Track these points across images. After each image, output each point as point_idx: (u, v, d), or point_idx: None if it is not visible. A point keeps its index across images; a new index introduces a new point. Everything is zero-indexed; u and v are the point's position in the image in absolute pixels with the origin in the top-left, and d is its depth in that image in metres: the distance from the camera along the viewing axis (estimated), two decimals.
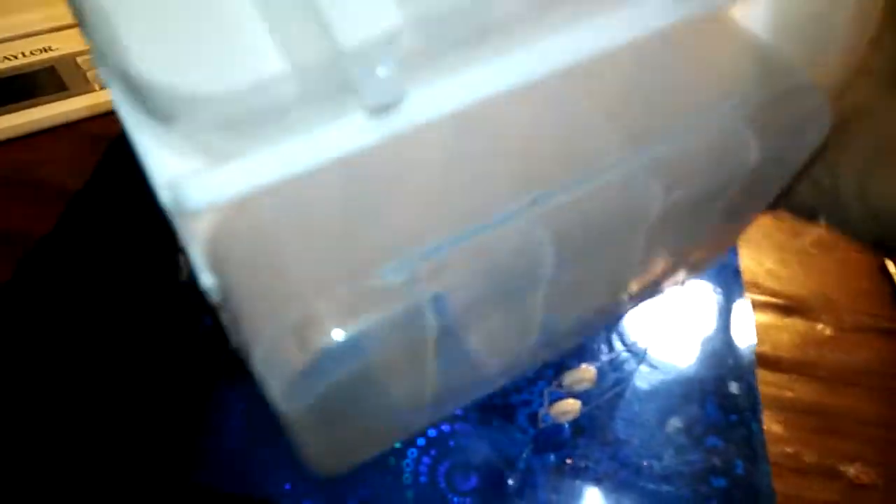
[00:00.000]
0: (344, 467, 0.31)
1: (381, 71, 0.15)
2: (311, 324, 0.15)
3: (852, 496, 0.37)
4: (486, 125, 0.19)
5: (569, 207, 0.18)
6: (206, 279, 0.18)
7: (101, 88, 0.49)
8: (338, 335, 0.15)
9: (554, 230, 0.18)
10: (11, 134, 0.47)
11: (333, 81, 0.16)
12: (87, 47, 0.50)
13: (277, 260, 0.16)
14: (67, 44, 0.50)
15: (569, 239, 0.19)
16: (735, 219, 0.29)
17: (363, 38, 0.15)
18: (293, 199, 0.17)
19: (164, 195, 0.17)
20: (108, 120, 0.49)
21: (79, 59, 0.49)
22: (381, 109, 0.17)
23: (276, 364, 0.16)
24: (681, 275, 0.33)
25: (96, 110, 0.48)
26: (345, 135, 0.17)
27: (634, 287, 0.29)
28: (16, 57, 0.49)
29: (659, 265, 0.28)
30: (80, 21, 0.17)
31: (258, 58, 0.16)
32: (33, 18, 0.50)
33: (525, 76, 0.19)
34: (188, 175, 0.16)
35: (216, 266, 0.17)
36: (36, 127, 0.47)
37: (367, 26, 0.15)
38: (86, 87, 0.48)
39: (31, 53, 0.49)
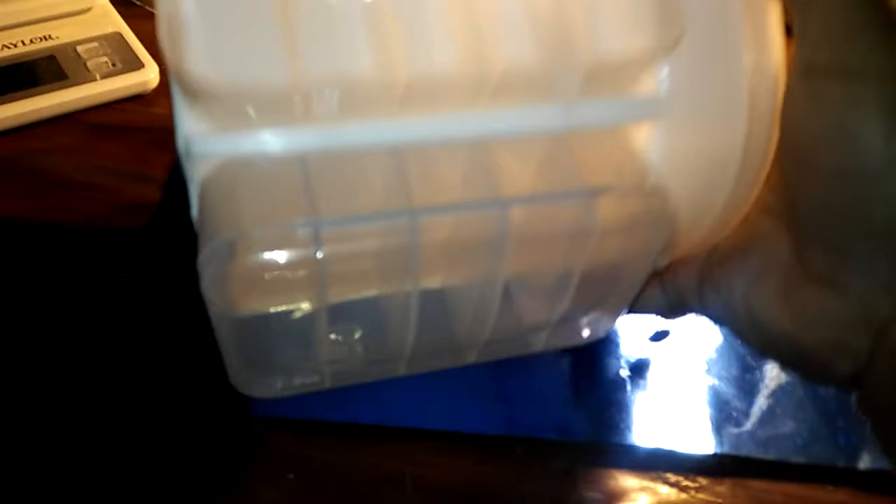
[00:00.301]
0: (267, 389, 0.33)
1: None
2: (235, 245, 0.23)
3: None
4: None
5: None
6: (193, 210, 0.25)
7: (101, 78, 0.48)
8: (248, 262, 0.22)
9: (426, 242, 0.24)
10: (10, 124, 0.46)
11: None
12: (87, 36, 0.50)
13: (233, 203, 0.23)
14: (68, 32, 0.50)
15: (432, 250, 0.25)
16: (599, 300, 0.32)
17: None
18: (264, 167, 0.23)
19: (180, 143, 0.23)
20: (108, 109, 0.48)
21: (79, 48, 0.49)
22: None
23: (209, 265, 0.23)
24: (560, 335, 0.34)
25: (96, 100, 0.48)
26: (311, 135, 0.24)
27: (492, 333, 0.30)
28: (15, 45, 0.48)
29: (528, 315, 0.31)
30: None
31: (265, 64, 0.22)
32: (33, 6, 0.50)
33: None
34: (198, 133, 0.23)
35: (199, 201, 0.24)
36: (35, 116, 0.47)
37: None
38: (86, 76, 0.48)
39: (31, 42, 0.49)
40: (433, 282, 0.28)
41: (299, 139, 0.23)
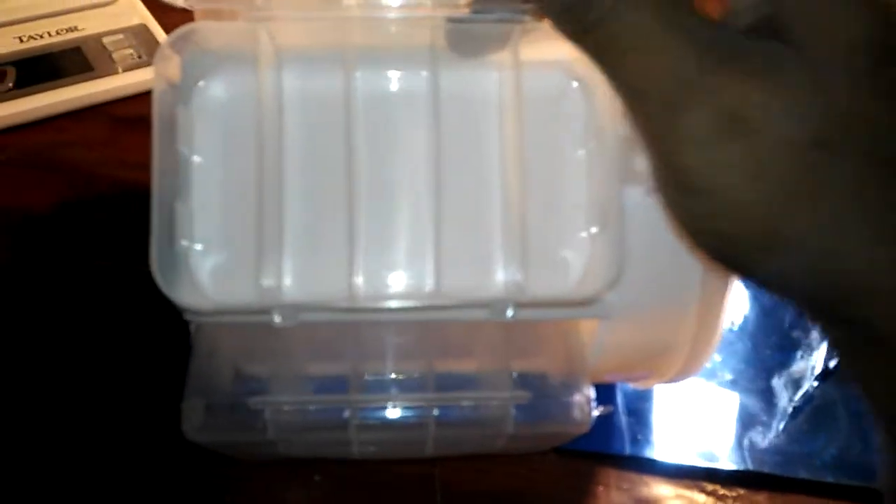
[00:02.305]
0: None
1: None
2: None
3: None
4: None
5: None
6: None
7: (126, 70, 0.47)
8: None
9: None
10: (35, 115, 0.46)
11: None
12: (113, 27, 0.49)
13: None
14: (94, 24, 0.49)
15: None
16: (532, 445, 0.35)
17: None
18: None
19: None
20: (132, 102, 0.47)
21: (104, 40, 0.48)
22: None
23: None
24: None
25: (121, 92, 0.47)
26: None
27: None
28: (41, 36, 0.48)
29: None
30: None
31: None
32: None
33: None
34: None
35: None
36: (60, 109, 0.46)
37: None
38: (111, 68, 0.47)
39: (58, 33, 0.48)
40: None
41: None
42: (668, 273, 0.27)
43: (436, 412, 0.28)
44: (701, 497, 0.36)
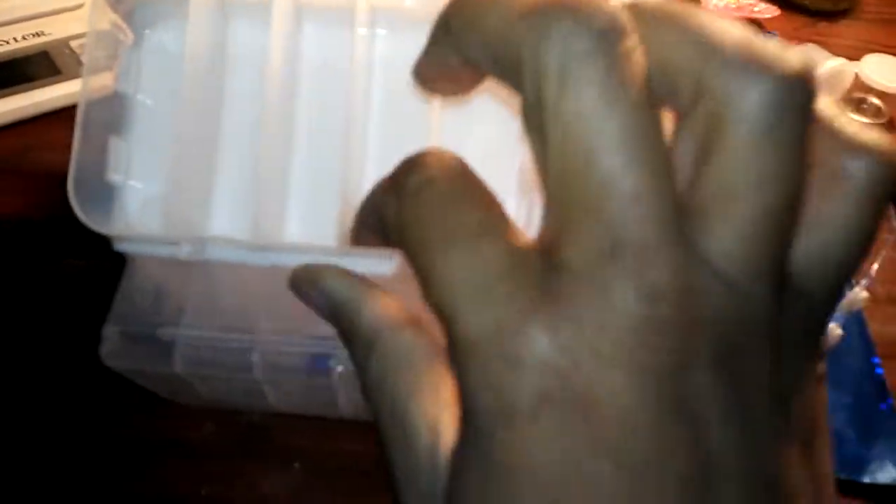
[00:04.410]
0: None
1: None
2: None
3: None
4: None
5: None
6: None
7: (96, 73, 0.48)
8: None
9: None
10: (5, 120, 0.46)
11: None
12: (80, 31, 0.49)
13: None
14: (60, 28, 0.49)
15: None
16: None
17: None
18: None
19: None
20: None
21: (72, 44, 0.49)
22: None
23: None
24: None
25: None
26: None
27: None
28: (7, 42, 0.48)
29: None
30: None
31: None
32: (26, 2, 0.49)
33: None
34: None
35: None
36: (30, 112, 0.46)
37: None
38: (79, 71, 0.48)
39: (24, 38, 0.48)
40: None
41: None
42: None
43: (340, 367, 0.28)
44: None
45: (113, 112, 0.27)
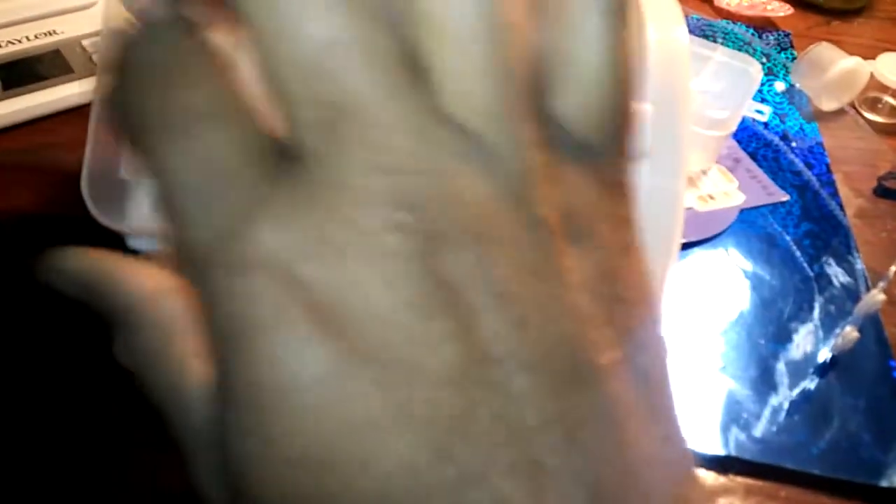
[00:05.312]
0: None
1: None
2: None
3: None
4: None
5: None
6: None
7: None
8: None
9: None
10: (18, 118, 0.46)
11: None
12: (92, 30, 0.49)
13: None
14: (72, 27, 0.49)
15: None
16: None
17: None
18: None
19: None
20: None
21: (84, 42, 0.49)
22: None
23: None
24: None
25: None
26: None
27: None
28: (20, 41, 0.48)
29: None
30: None
31: None
32: (38, 1, 0.49)
33: None
34: None
35: None
36: (42, 111, 0.47)
37: None
38: (91, 69, 0.48)
39: (36, 37, 0.49)
40: None
41: None
42: None
43: None
44: None
45: None
